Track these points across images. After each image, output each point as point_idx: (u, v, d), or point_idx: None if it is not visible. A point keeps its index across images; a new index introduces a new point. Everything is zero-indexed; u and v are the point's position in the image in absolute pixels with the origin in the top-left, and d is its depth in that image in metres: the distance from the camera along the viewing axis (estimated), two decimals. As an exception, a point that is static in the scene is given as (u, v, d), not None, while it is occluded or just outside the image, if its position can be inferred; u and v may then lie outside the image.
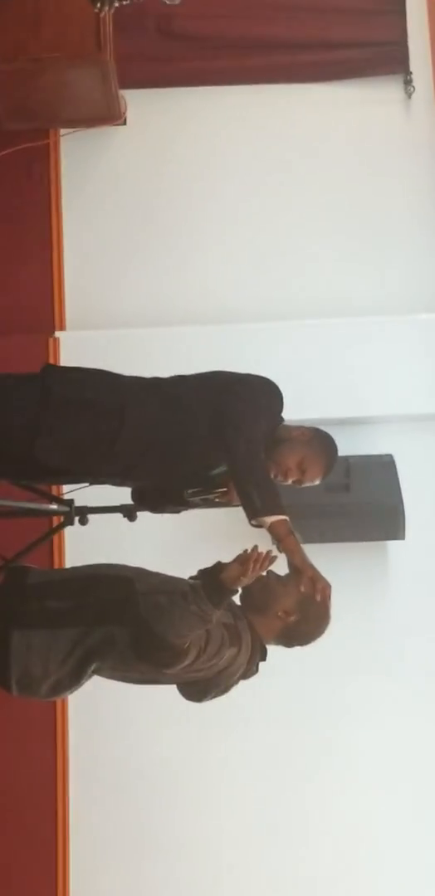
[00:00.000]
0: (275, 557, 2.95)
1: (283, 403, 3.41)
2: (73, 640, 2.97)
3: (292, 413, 3.44)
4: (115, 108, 5.29)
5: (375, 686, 4.99)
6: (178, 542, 4.52)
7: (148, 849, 4.97)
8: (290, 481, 3.39)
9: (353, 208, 5.53)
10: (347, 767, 5.01)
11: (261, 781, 5.00)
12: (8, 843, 4.92)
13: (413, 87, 5.61)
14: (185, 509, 3.65)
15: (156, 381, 3.43)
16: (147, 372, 3.47)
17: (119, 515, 3.77)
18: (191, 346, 5.02)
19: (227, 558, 2.95)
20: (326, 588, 3.02)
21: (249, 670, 3.12)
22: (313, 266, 5.46)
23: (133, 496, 3.69)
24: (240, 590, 3.01)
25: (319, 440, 3.42)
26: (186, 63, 5.61)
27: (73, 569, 3.31)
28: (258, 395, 3.35)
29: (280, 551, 3.07)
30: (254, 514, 3.09)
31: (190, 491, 3.54)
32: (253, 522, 3.11)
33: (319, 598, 3.01)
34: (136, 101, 5.51)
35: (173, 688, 3.14)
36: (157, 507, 3.70)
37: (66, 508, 3.80)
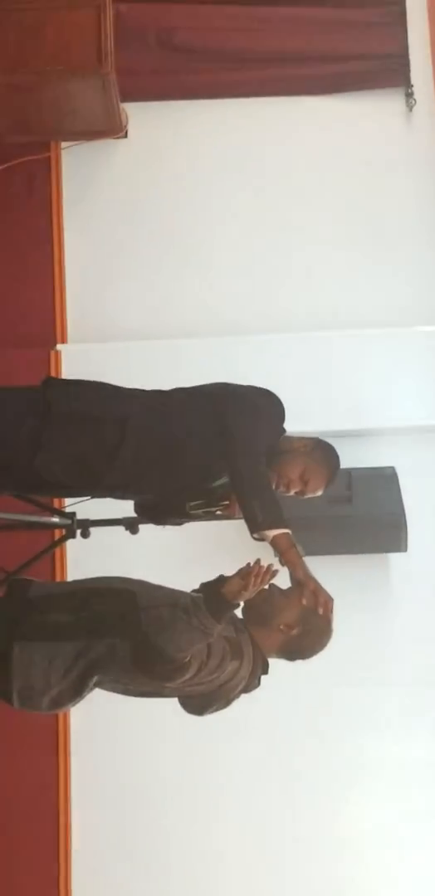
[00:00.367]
0: (276, 571, 2.94)
1: (284, 415, 3.40)
2: (75, 653, 2.96)
3: (294, 425, 3.44)
4: (117, 121, 5.29)
5: (377, 698, 4.98)
6: (181, 555, 4.51)
7: (149, 859, 4.96)
8: (292, 492, 3.39)
9: (353, 221, 5.54)
10: (349, 780, 4.99)
11: (263, 793, 4.98)
12: (11, 853, 4.92)
13: (414, 100, 5.63)
14: (188, 522, 3.65)
15: (157, 394, 3.42)
16: (148, 384, 3.47)
17: (121, 528, 3.77)
18: (192, 358, 5.02)
19: (229, 571, 2.95)
20: (328, 601, 3.02)
21: (251, 684, 3.11)
22: (315, 278, 5.47)
23: (136, 508, 3.69)
24: (242, 603, 3.00)
25: (321, 451, 3.42)
26: (187, 76, 5.63)
27: (75, 582, 3.30)
28: (260, 407, 3.35)
29: (282, 564, 3.07)
30: (256, 528, 3.09)
31: (192, 503, 3.54)
32: (255, 536, 3.11)
33: (321, 611, 3.01)
34: (138, 114, 5.53)
35: (175, 700, 3.14)
36: (159, 519, 3.69)
37: (67, 521, 3.81)
